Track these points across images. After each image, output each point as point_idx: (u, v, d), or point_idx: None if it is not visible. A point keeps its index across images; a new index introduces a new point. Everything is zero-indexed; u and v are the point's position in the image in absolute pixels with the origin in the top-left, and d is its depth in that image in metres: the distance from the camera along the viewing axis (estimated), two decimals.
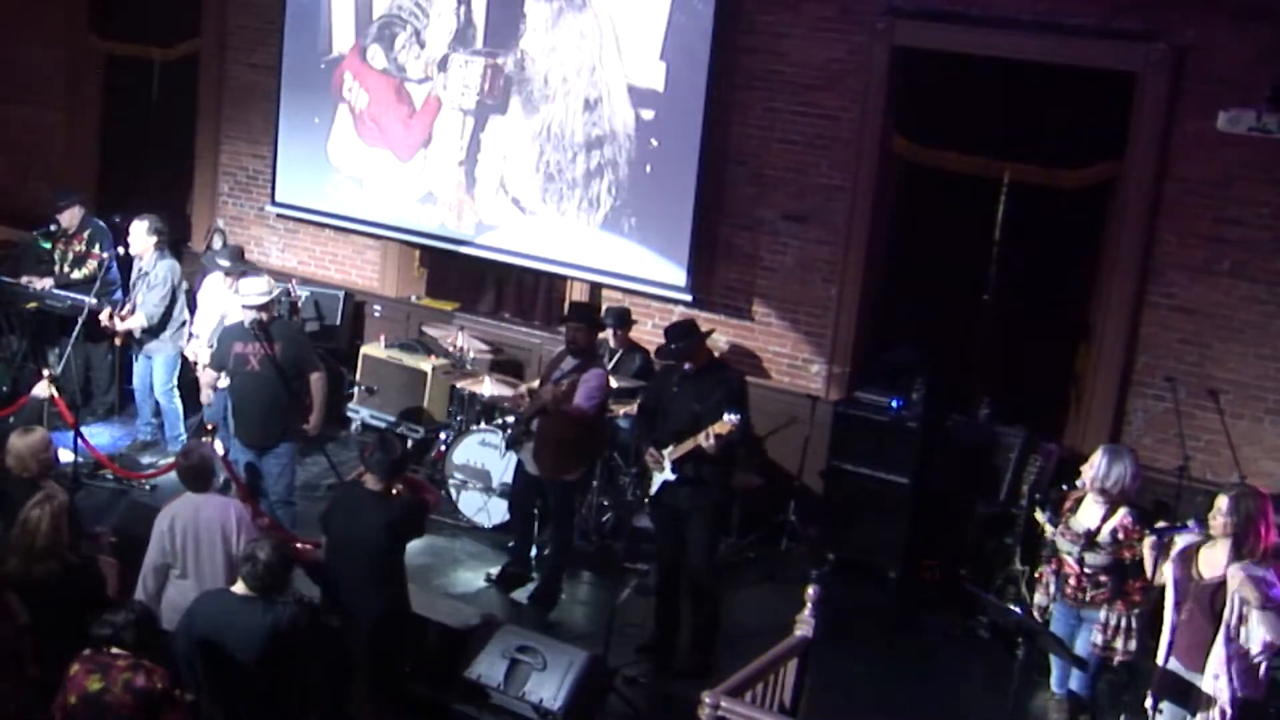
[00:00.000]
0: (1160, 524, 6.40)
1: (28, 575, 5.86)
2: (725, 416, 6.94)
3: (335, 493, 7.30)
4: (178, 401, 9.65)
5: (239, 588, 5.68)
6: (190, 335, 9.45)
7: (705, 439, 7.01)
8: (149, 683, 5.08)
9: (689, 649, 7.50)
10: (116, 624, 5.17)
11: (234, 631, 5.57)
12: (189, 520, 6.42)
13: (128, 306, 9.55)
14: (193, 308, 9.58)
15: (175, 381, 9.65)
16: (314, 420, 8.26)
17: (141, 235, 9.49)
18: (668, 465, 7.25)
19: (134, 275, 9.66)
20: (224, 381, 8.47)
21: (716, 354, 8.57)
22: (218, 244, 11.51)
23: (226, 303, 8.92)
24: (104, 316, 9.49)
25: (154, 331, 9.51)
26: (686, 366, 7.32)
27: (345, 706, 6.43)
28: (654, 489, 7.39)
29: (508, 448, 8.46)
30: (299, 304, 10.25)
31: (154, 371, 9.64)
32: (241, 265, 9.24)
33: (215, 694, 5.63)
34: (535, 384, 8.48)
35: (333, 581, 6.49)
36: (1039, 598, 6.89)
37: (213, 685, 5.62)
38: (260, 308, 8.02)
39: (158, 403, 9.80)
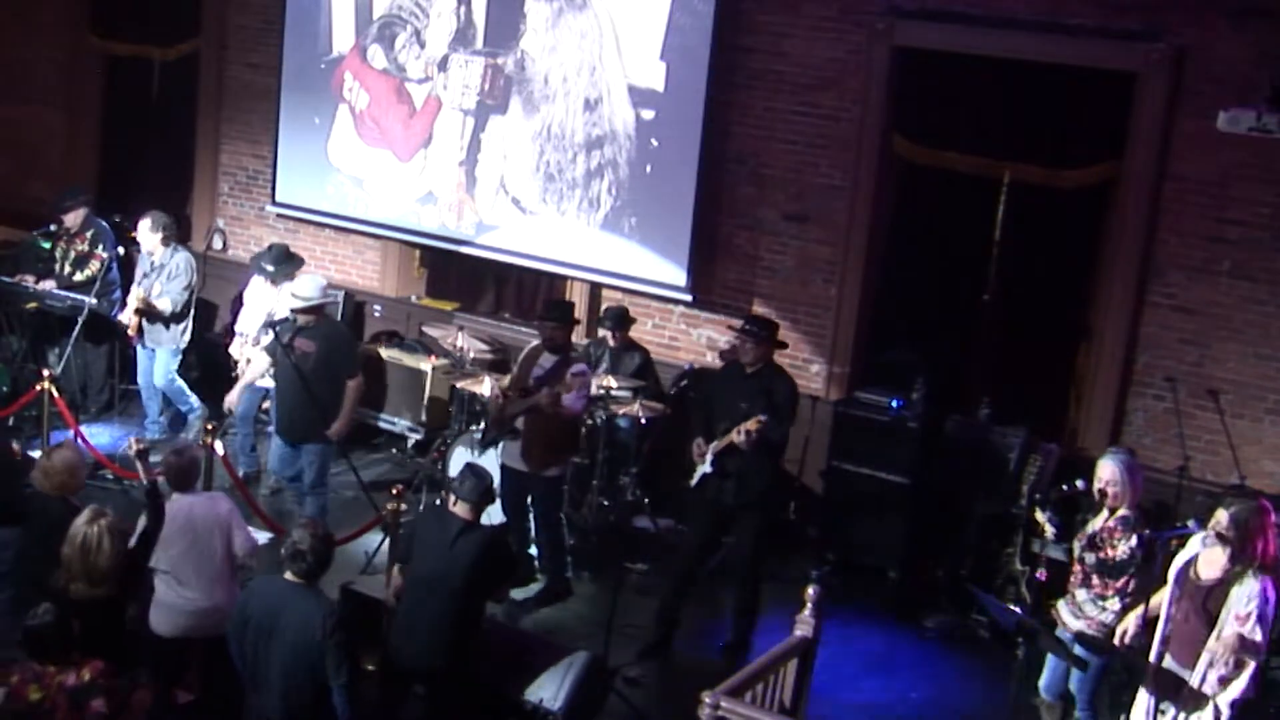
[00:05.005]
0: (1145, 531, 6.39)
1: (93, 598, 5.65)
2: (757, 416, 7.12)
3: (416, 520, 6.83)
4: (180, 381, 9.83)
5: (290, 575, 5.65)
6: (236, 334, 9.55)
7: (737, 435, 7.18)
8: (78, 680, 5.11)
9: (734, 625, 7.68)
10: (37, 624, 5.18)
11: (286, 616, 5.56)
12: (185, 522, 6.41)
13: (140, 293, 9.66)
14: (239, 307, 9.71)
15: (175, 372, 9.81)
16: (336, 426, 8.25)
17: (147, 233, 9.68)
18: (709, 458, 7.39)
19: (143, 269, 9.79)
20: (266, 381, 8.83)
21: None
22: (218, 244, 11.55)
23: (272, 302, 9.14)
24: (133, 301, 9.62)
25: (166, 322, 9.67)
26: (747, 367, 7.43)
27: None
28: (695, 481, 7.55)
29: (484, 448, 8.45)
30: None
31: (155, 362, 9.77)
32: (287, 267, 9.35)
33: (258, 679, 5.64)
34: (506, 381, 8.49)
35: (403, 615, 6.22)
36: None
37: (257, 670, 5.63)
38: (301, 310, 8.20)
39: (162, 399, 9.92)
